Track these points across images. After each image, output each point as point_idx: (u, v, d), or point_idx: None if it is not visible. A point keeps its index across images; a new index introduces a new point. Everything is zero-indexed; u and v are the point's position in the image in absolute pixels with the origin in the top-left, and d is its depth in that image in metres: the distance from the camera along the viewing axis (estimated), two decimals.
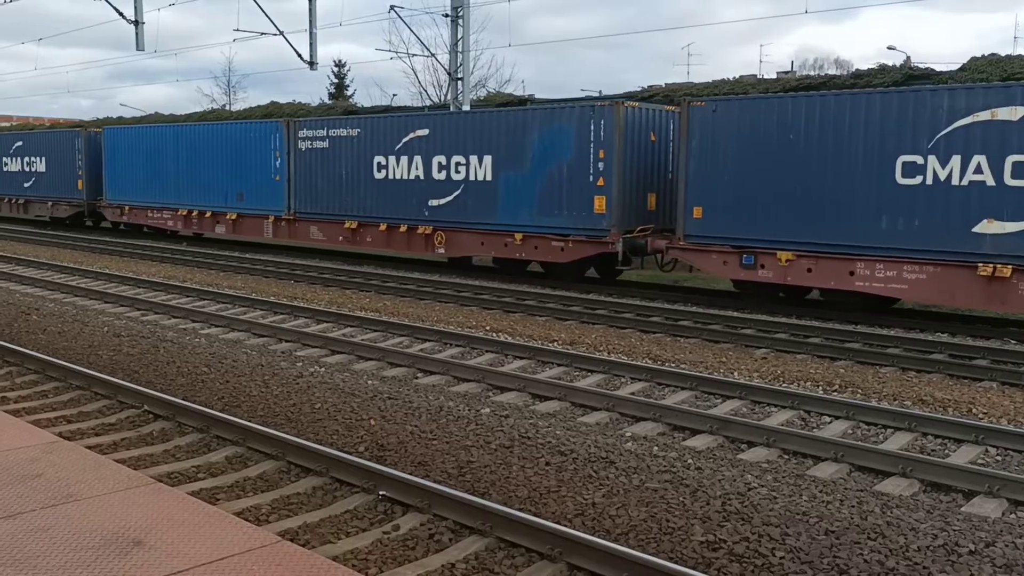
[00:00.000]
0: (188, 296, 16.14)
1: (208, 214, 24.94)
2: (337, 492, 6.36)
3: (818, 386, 9.95)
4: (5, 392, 9.05)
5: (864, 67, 20.81)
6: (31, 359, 10.10)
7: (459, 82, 26.53)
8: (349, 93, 51.72)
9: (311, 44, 25.06)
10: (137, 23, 23.56)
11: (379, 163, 20.49)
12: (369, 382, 9.60)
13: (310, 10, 24.56)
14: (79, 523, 4.32)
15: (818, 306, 15.17)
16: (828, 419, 8.67)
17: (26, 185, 32.73)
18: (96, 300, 15.53)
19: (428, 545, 5.53)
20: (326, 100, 46.18)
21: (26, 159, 32.56)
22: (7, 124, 59.63)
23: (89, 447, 6.62)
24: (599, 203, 16.68)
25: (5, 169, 33.82)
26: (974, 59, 18.34)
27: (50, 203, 31.45)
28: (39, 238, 28.55)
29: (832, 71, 40.58)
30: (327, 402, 8.68)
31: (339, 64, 52.08)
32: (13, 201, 33.70)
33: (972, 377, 10.63)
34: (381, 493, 6.18)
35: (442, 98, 37.33)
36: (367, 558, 5.32)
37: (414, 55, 40.34)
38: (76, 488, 4.81)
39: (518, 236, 17.91)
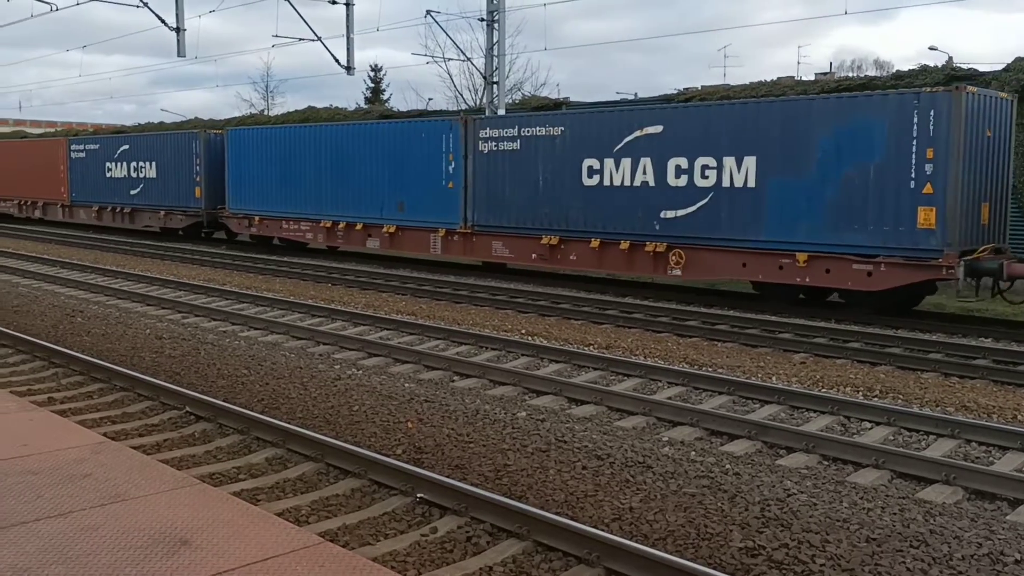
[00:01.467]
0: (227, 299, 16.36)
1: (358, 226, 21.98)
2: (375, 494, 6.42)
3: (858, 391, 9.84)
4: (52, 393, 9.24)
5: (904, 68, 20.52)
6: (76, 360, 10.30)
7: (494, 86, 26.61)
8: (385, 97, 52.10)
9: (348, 49, 25.28)
10: (179, 30, 23.92)
11: (590, 167, 17.28)
12: (406, 385, 9.67)
13: (347, 16, 24.79)
14: (127, 522, 4.41)
15: None
16: (869, 425, 8.57)
17: (133, 193, 30.00)
18: (138, 303, 15.80)
19: (466, 548, 5.56)
20: (362, 105, 46.57)
21: (133, 164, 29.84)
22: (52, 130, 60.81)
23: (134, 447, 6.74)
24: (925, 216, 13.33)
25: (108, 175, 31.10)
26: (1019, 59, 18.01)
27: (162, 212, 28.67)
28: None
29: (871, 72, 40.09)
30: (365, 404, 8.75)
31: (375, 69, 52.49)
32: (118, 210, 30.82)
33: (1016, 383, 10.44)
34: (419, 495, 6.22)
35: (477, 102, 37.47)
36: (406, 560, 5.36)
37: (450, 59, 40.42)
38: (124, 488, 4.91)
39: (801, 257, 14.43)
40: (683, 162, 16.04)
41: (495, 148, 19.10)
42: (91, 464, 5.33)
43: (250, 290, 17.21)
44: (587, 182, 17.44)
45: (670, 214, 16.21)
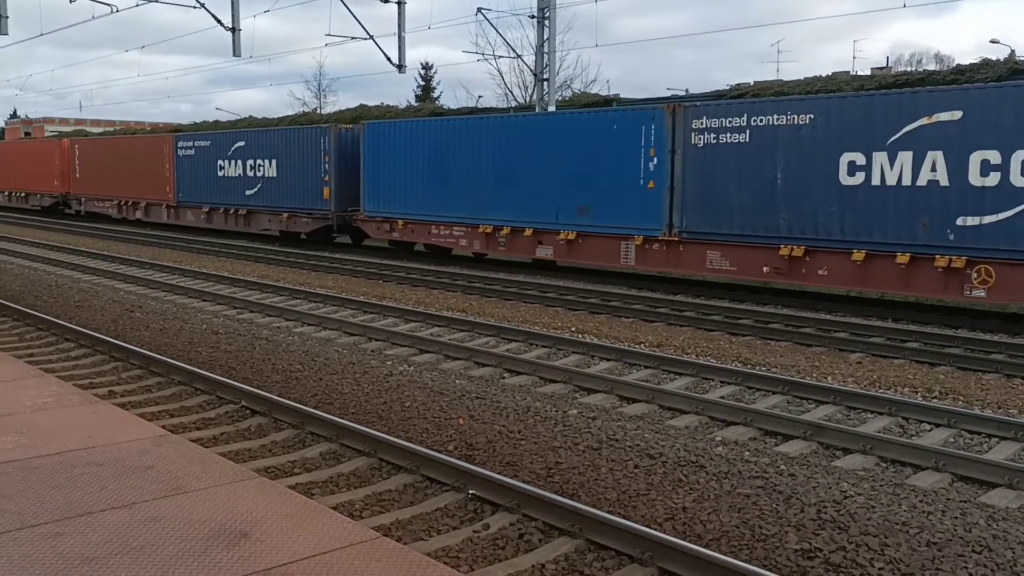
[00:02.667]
0: (281, 295, 16.60)
1: (527, 232, 19.24)
2: (428, 490, 6.47)
3: (916, 392, 9.64)
4: (113, 386, 9.47)
5: (965, 62, 20.04)
6: (136, 355, 10.54)
7: (545, 83, 26.58)
8: (435, 95, 52.39)
9: (399, 47, 25.46)
10: (234, 30, 24.31)
11: (852, 163, 14.37)
12: (457, 381, 9.72)
13: (399, 14, 24.97)
14: (188, 514, 4.50)
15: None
16: (928, 427, 8.39)
17: (249, 193, 27.38)
18: (195, 298, 16.11)
19: (518, 545, 5.57)
20: (413, 102, 46.87)
21: (249, 162, 27.24)
22: (111, 129, 62.25)
23: (193, 440, 6.88)
24: None
25: (220, 174, 28.56)
26: None
27: (284, 215, 26.01)
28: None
29: (931, 66, 39.20)
30: (416, 400, 8.82)
31: (426, 67, 52.86)
32: (231, 212, 28.25)
33: None
34: (471, 492, 6.25)
35: (527, 99, 37.46)
36: (458, 556, 5.39)
37: (500, 56, 40.51)
38: (184, 480, 5.01)
39: None
40: (993, 156, 12.95)
41: (713, 141, 16.08)
42: (153, 456, 5.45)
43: (303, 286, 17.43)
44: (846, 181, 14.42)
45: (972, 221, 13.16)
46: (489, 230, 20.21)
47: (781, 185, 15.25)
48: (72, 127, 67.56)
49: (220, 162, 28.62)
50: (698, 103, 17.41)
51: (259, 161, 27.04)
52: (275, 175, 26.43)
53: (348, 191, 24.06)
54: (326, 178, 24.54)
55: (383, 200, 22.89)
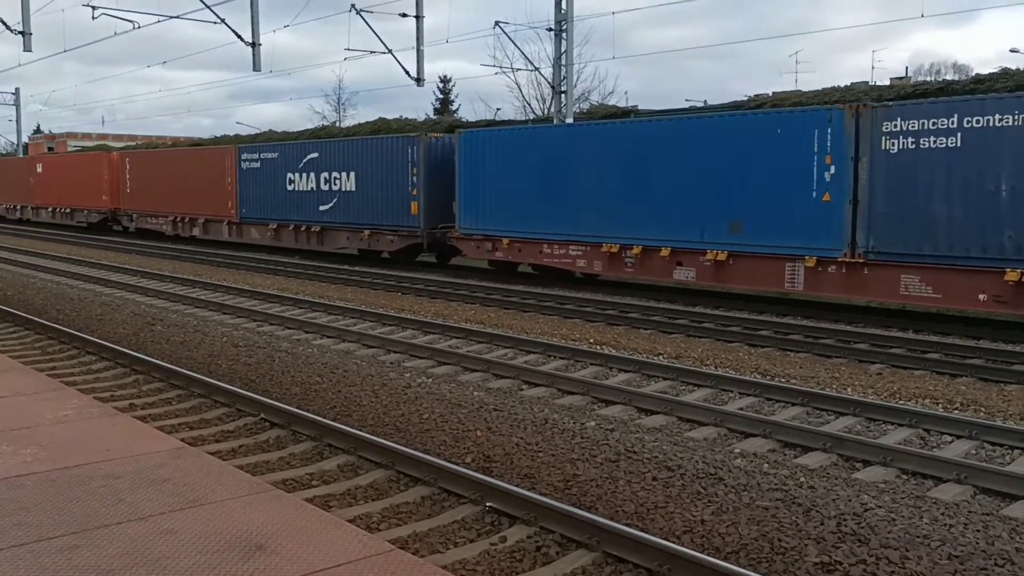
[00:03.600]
0: (301, 308, 16.68)
1: (663, 252, 16.87)
2: (445, 502, 6.46)
3: (938, 404, 9.54)
4: (133, 399, 9.54)
5: (985, 71, 19.90)
6: (156, 368, 10.62)
7: (562, 95, 26.64)
8: (454, 108, 52.63)
9: (418, 61, 25.63)
10: (254, 45, 24.57)
11: None
12: (475, 393, 9.72)
13: (417, 28, 25.14)
14: (204, 527, 4.52)
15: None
16: (949, 438, 8.30)
17: (323, 208, 25.20)
18: (215, 311, 16.22)
19: (535, 558, 5.55)
20: (431, 116, 47.09)
21: (324, 175, 25.13)
22: (133, 144, 62.95)
23: (211, 453, 6.92)
24: None
25: (290, 188, 26.42)
26: None
27: (365, 232, 23.85)
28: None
29: (950, 76, 38.96)
30: (434, 412, 8.82)
31: (444, 80, 53.12)
32: (302, 229, 25.98)
33: None
34: (488, 504, 6.24)
35: (545, 111, 37.54)
36: (475, 569, 5.38)
37: (518, 69, 40.69)
38: (201, 493, 5.04)
39: None
40: None
41: (912, 146, 13.82)
42: (170, 469, 5.48)
43: (322, 299, 17.51)
44: None
45: None
46: (615, 249, 17.79)
47: (1006, 197, 12.96)
48: (94, 142, 68.33)
49: (290, 175, 26.43)
50: (890, 103, 14.96)
51: (335, 174, 24.78)
52: (354, 189, 24.21)
53: (439, 206, 21.93)
54: (414, 192, 22.30)
55: (483, 216, 20.56)
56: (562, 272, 19.70)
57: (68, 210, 40.34)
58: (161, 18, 26.91)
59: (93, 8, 25.73)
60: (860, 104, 14.77)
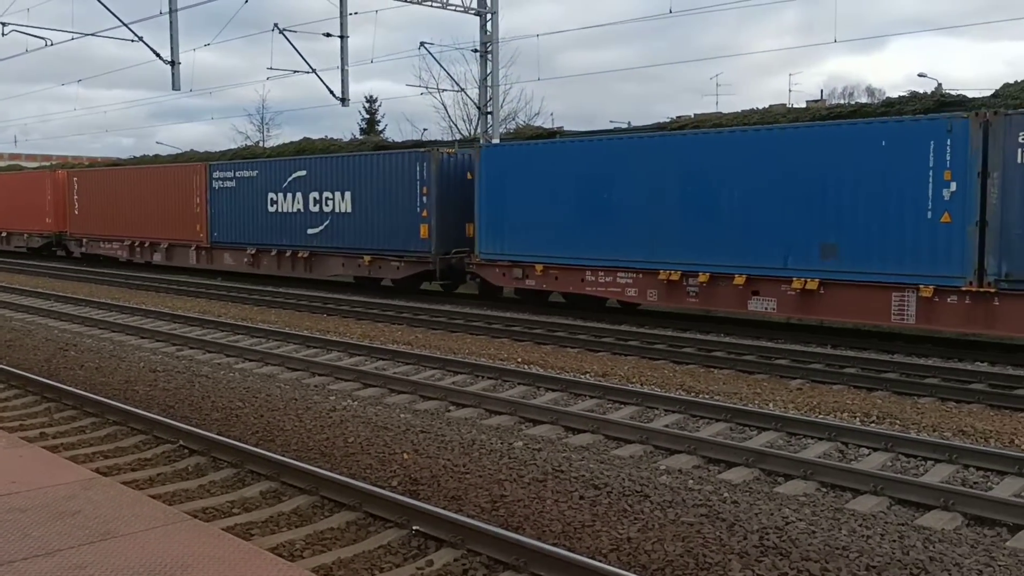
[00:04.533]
0: (223, 331, 16.31)
1: (737, 280, 14.93)
2: (371, 527, 6.36)
3: (855, 417, 9.80)
4: (44, 428, 9.17)
5: (895, 95, 20.68)
6: (69, 395, 10.24)
7: (489, 116, 26.76)
8: (380, 128, 52.36)
9: (343, 81, 25.40)
10: (173, 63, 24.02)
11: None
12: (402, 415, 9.61)
13: (342, 48, 24.95)
14: (116, 561, 4.35)
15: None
16: (866, 451, 8.52)
17: (312, 232, 23.10)
18: (133, 335, 15.74)
19: None
20: (357, 135, 46.78)
21: (313, 195, 23.05)
22: (48, 164, 60.97)
23: (126, 483, 6.68)
24: None
25: (272, 210, 24.27)
26: (1007, 85, 18.18)
27: (365, 258, 21.70)
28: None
29: (863, 99, 40.44)
30: (360, 436, 8.69)
31: (370, 100, 52.78)
32: (287, 255, 23.92)
33: (1014, 407, 10.41)
34: (415, 528, 6.16)
35: (472, 132, 37.66)
36: None
37: (444, 90, 40.70)
38: (113, 525, 4.85)
39: None
40: None
41: None
42: (81, 500, 5.27)
43: (245, 321, 17.15)
44: None
45: None
46: (675, 277, 15.78)
47: None
48: (7, 162, 65.94)
49: (271, 195, 24.25)
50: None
51: (327, 194, 22.70)
52: (349, 210, 22.09)
53: (452, 229, 20.03)
54: (424, 213, 20.13)
55: (509, 240, 18.53)
56: (595, 300, 17.89)
57: (3, 234, 37.44)
58: (75, 35, 26.12)
59: (3, 24, 24.88)
60: (989, 111, 13.01)
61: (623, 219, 16.67)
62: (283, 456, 7.71)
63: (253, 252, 25.10)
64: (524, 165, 18.45)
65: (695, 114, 28.30)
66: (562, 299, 19.24)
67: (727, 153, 15.51)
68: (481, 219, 19.09)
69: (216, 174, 26.46)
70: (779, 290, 14.68)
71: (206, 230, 26.65)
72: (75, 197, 32.81)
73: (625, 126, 29.00)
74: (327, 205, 22.80)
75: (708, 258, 15.49)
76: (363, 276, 22.51)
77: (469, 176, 19.80)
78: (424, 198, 20.29)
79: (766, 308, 14.88)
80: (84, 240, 32.50)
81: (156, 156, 45.34)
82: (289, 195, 23.85)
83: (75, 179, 33.13)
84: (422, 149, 21.24)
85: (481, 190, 19.02)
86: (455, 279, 21.19)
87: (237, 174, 25.77)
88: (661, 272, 16.06)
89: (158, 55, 23.74)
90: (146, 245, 29.30)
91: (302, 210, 23.47)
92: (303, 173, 23.52)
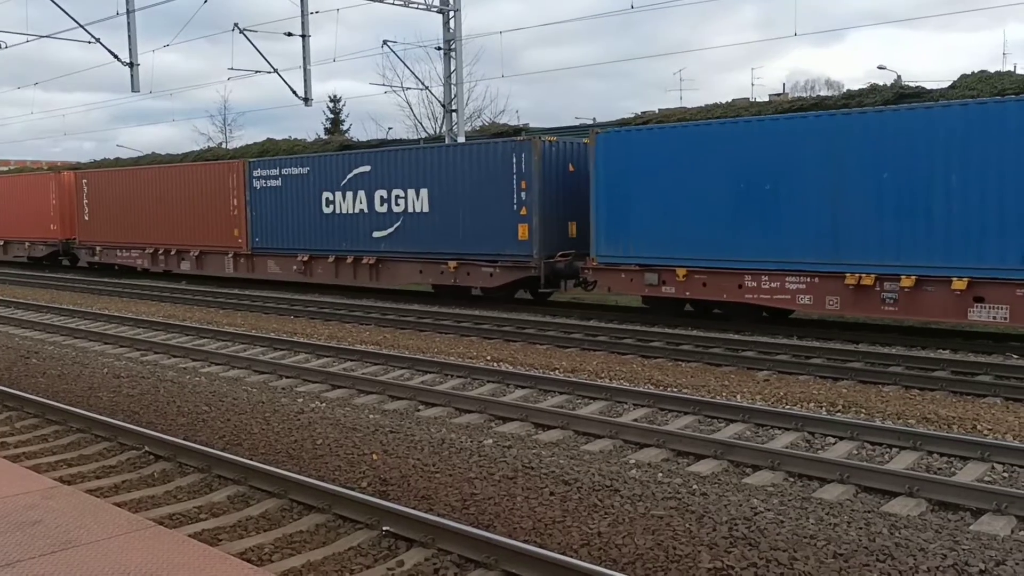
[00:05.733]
0: (188, 335, 16.12)
1: (956, 284, 12.62)
2: (340, 529, 6.31)
3: (821, 407, 9.90)
4: (5, 437, 9.00)
5: (855, 87, 20.93)
6: (31, 403, 10.06)
7: (454, 114, 26.70)
8: (345, 128, 52.08)
9: (305, 81, 25.24)
10: (132, 65, 23.72)
11: None
12: (370, 416, 9.56)
13: (304, 47, 24.78)
14: (78, 570, 4.27)
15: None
16: (832, 440, 8.61)
17: (379, 235, 20.66)
18: (96, 341, 15.51)
19: None
20: (322, 135, 46.48)
21: (380, 194, 20.56)
22: (5, 168, 59.91)
23: (89, 491, 6.58)
24: None
25: (328, 211, 21.81)
26: (964, 76, 18.48)
27: (451, 264, 19.07)
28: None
29: (824, 92, 40.89)
30: (328, 437, 8.63)
31: (334, 99, 52.47)
32: (349, 261, 21.34)
33: (976, 393, 10.58)
34: (385, 529, 6.13)
35: (437, 130, 37.58)
36: None
37: (408, 88, 40.54)
38: (75, 534, 4.77)
39: None
40: None
41: None
42: (41, 510, 5.17)
43: (211, 325, 16.96)
44: None
45: None
46: (867, 281, 13.41)
47: None
48: None
49: (327, 194, 21.73)
50: None
51: (397, 192, 20.20)
52: (425, 209, 19.65)
53: (554, 229, 17.88)
54: (523, 211, 17.82)
55: (636, 240, 16.07)
56: (756, 309, 15.22)
57: (0, 243, 34.31)
58: (31, 37, 25.69)
59: None
60: None
61: (795, 213, 14.23)
62: (251, 460, 7.63)
63: (305, 259, 22.39)
64: (656, 152, 15.88)
65: (659, 109, 28.45)
66: (690, 307, 16.74)
67: (944, 135, 12.89)
68: (599, 217, 16.52)
69: (257, 172, 23.77)
70: (1014, 295, 12.38)
71: (246, 235, 24.02)
72: (85, 201, 29.77)
73: (590, 123, 29.08)
74: (397, 204, 20.24)
75: (914, 258, 13.12)
76: (445, 284, 19.79)
77: (571, 168, 17.96)
78: (523, 194, 17.85)
79: (994, 317, 12.60)
80: (97, 248, 29.52)
81: (117, 159, 44.71)
82: (349, 194, 21.24)
83: (84, 181, 30.13)
84: (520, 138, 18.79)
85: (598, 183, 16.46)
86: (556, 286, 19.06)
87: (284, 171, 23.15)
88: (848, 276, 13.55)
89: (116, 57, 23.44)
90: (172, 253, 26.52)
91: (366, 210, 20.91)
92: (366, 169, 20.90)
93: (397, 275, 20.67)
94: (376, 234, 20.73)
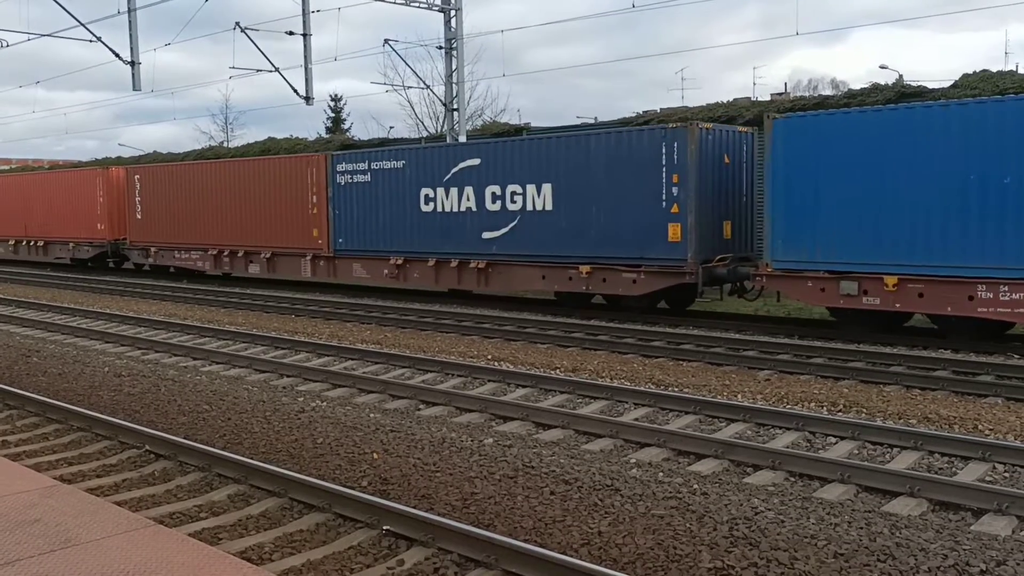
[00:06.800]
0: (189, 334, 16.12)
1: None
2: (341, 528, 6.31)
3: (822, 406, 9.89)
4: (6, 436, 9.00)
5: (857, 87, 20.92)
6: (32, 402, 10.06)
7: (455, 113, 26.70)
8: (346, 127, 52.09)
9: (307, 80, 25.25)
10: (133, 63, 23.73)
11: None
12: (371, 415, 9.56)
13: (305, 46, 24.78)
14: (77, 569, 4.26)
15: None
16: (834, 440, 8.60)
17: (490, 236, 18.55)
18: (97, 340, 15.51)
19: None
20: (323, 135, 46.49)
21: (492, 190, 18.44)
22: (7, 167, 59.94)
23: (89, 489, 6.58)
24: None
25: (427, 209, 19.68)
26: (966, 76, 18.45)
27: (583, 269, 16.92)
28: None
29: (827, 92, 40.89)
30: (329, 436, 8.63)
31: (335, 99, 52.49)
32: (454, 265, 19.19)
33: (977, 393, 10.57)
34: (385, 528, 6.12)
35: (438, 129, 37.57)
36: None
37: (409, 87, 40.52)
38: (74, 533, 4.76)
39: None
40: None
41: None
42: (41, 509, 5.17)
43: (212, 323, 16.96)
44: None
45: None
46: None
47: None
48: None
49: (426, 191, 19.64)
50: None
51: (513, 187, 18.10)
52: (548, 207, 17.58)
53: (709, 229, 15.89)
54: (674, 209, 15.79)
55: (824, 243, 13.91)
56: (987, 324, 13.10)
57: (39, 243, 31.84)
58: (32, 36, 25.70)
59: None
60: None
61: None
62: (251, 459, 7.63)
63: (399, 262, 20.27)
64: (852, 139, 13.64)
65: (660, 108, 28.42)
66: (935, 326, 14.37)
67: None
68: (774, 215, 14.40)
69: (342, 167, 21.59)
70: None
71: (327, 235, 21.91)
72: (137, 199, 27.59)
73: (592, 121, 29.05)
74: (513, 202, 18.11)
75: None
76: (573, 291, 17.65)
77: (726, 160, 16.18)
78: (675, 188, 15.76)
79: None
80: (152, 249, 27.36)
81: (119, 158, 44.72)
82: (453, 190, 19.11)
83: (137, 177, 27.90)
84: (672, 124, 16.54)
85: (775, 176, 14.35)
86: (675, 296, 17.28)
87: (374, 165, 20.90)
88: None
89: (117, 55, 23.45)
90: (238, 255, 24.32)
91: (474, 208, 18.77)
92: (475, 162, 18.76)
93: (511, 280, 18.53)
94: (486, 235, 18.64)
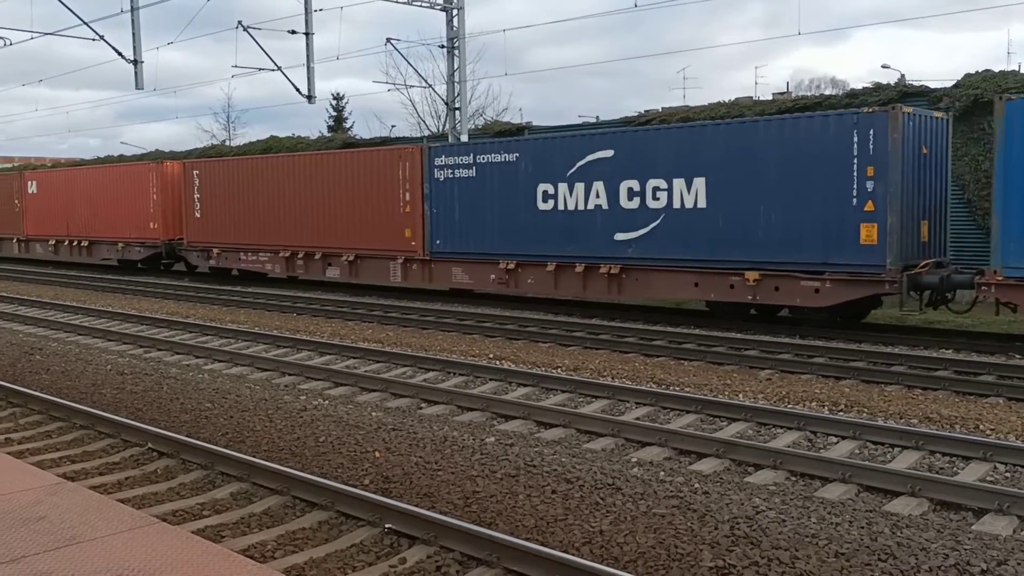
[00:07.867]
0: (191, 332, 16.15)
1: None
2: (343, 526, 6.33)
3: (823, 406, 9.90)
4: (9, 434, 9.03)
5: (859, 86, 20.91)
6: (35, 399, 10.09)
7: (457, 112, 26.72)
8: (348, 126, 52.10)
9: (309, 78, 25.28)
10: (136, 62, 23.76)
11: None
12: (373, 414, 9.58)
13: (307, 45, 24.81)
14: (82, 566, 4.29)
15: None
16: (835, 439, 8.62)
17: (623, 238, 16.47)
18: (99, 338, 15.54)
19: None
20: (325, 133, 46.51)
21: (628, 185, 16.34)
22: (9, 166, 59.99)
23: (93, 487, 6.60)
24: None
25: (544, 207, 17.61)
26: (968, 75, 18.43)
27: (749, 276, 14.75)
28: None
29: (829, 91, 40.88)
30: (331, 435, 8.65)
31: (337, 97, 52.49)
32: (574, 270, 17.10)
33: (978, 393, 10.57)
34: (387, 526, 6.14)
35: (440, 128, 37.59)
36: None
37: (411, 86, 40.53)
38: (79, 530, 4.79)
39: None
40: None
41: None
42: (46, 506, 5.19)
43: (214, 322, 16.99)
44: None
45: None
46: None
47: None
48: None
49: (544, 187, 17.54)
50: None
51: (655, 182, 15.97)
52: (701, 204, 15.44)
53: (910, 231, 13.79)
54: (867, 207, 13.65)
55: None
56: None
57: (84, 243, 29.82)
58: (35, 35, 25.74)
59: None
60: None
61: None
62: (254, 457, 7.65)
63: (510, 266, 18.15)
64: None
65: (663, 107, 28.44)
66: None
67: None
68: (1007, 215, 12.12)
69: (441, 160, 19.39)
70: None
71: (421, 236, 19.78)
72: (196, 196, 25.43)
73: (593, 120, 29.06)
74: (656, 198, 15.99)
75: None
76: (734, 301, 15.41)
77: (924, 151, 14.03)
78: (869, 183, 13.61)
79: None
80: (213, 250, 25.09)
81: (121, 156, 44.77)
82: (579, 186, 17.03)
83: (195, 172, 25.61)
84: (868, 109, 14.39)
85: (1008, 168, 12.07)
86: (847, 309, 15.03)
87: (480, 159, 18.72)
88: None
89: (120, 54, 23.48)
90: (315, 257, 22.15)
91: (604, 206, 16.70)
92: (607, 154, 16.64)
93: (651, 287, 16.38)
94: (620, 236, 16.51)
